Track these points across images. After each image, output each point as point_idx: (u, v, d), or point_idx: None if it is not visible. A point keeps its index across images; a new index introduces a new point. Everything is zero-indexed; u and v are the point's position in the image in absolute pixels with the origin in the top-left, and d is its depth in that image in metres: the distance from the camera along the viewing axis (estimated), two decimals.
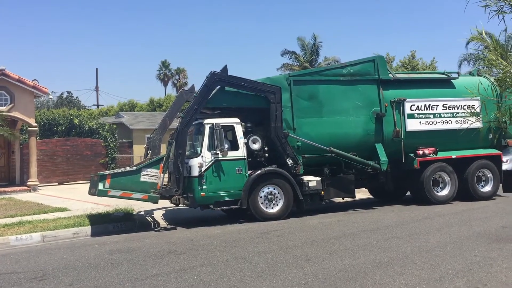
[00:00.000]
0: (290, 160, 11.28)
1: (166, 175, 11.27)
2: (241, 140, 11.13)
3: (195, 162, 10.73)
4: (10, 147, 20.92)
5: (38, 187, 19.34)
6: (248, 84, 11.52)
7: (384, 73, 12.54)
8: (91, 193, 10.87)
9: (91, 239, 9.78)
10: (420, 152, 12.47)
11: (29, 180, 19.28)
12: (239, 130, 11.23)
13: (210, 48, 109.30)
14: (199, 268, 6.85)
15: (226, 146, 10.98)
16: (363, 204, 13.20)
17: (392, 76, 12.75)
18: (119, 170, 10.74)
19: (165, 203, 11.79)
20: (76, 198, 15.63)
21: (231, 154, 10.95)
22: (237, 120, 11.34)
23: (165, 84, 68.01)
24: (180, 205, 11.61)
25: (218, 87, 11.26)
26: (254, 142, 11.29)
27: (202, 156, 10.75)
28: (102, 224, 10.58)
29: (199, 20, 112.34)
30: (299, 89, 11.79)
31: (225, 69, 11.34)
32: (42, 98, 31.37)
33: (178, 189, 10.66)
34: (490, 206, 12.05)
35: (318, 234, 9.18)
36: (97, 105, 55.16)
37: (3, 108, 18.21)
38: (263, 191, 11.09)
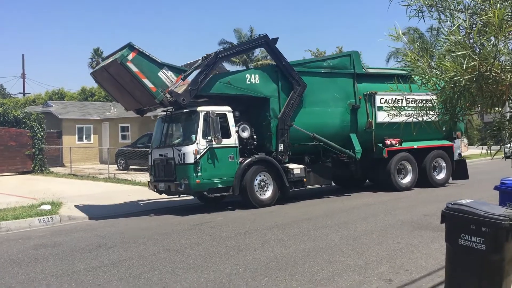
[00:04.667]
0: (282, 147, 11.64)
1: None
2: (233, 128, 11.26)
3: (190, 149, 10.68)
4: None
5: None
6: (286, 63, 11.93)
7: (359, 67, 13.22)
8: (109, 61, 10.95)
9: (15, 234, 9.30)
10: (388, 142, 13.33)
11: None
12: (231, 118, 11.32)
13: (143, 35, 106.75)
14: (129, 261, 6.72)
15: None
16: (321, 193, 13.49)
17: (365, 71, 13.40)
18: (147, 53, 10.78)
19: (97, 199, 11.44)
20: None
21: (224, 142, 11.02)
22: (229, 108, 11.41)
23: None
24: (163, 194, 11.83)
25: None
26: (243, 130, 11.53)
27: (197, 143, 10.72)
28: (27, 218, 10.10)
29: (133, 6, 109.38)
30: (286, 80, 12.05)
31: (276, 39, 11.91)
32: None
33: (186, 99, 10.64)
34: (413, 196, 12.72)
35: (251, 225, 9.28)
36: (24, 93, 52.49)
37: None
38: (257, 179, 11.33)
